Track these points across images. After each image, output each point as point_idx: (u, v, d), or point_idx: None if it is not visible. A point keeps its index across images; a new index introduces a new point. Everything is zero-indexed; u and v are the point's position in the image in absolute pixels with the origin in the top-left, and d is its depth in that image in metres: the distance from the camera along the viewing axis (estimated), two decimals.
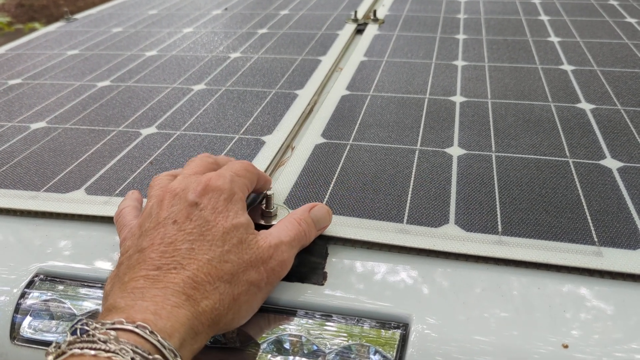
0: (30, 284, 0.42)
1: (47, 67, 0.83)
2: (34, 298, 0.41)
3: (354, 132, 0.59)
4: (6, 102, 0.71)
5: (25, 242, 0.46)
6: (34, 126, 0.64)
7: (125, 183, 0.51)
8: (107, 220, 0.47)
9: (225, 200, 0.36)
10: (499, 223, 0.43)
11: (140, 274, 0.32)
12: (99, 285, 0.41)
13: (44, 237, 0.46)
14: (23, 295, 0.41)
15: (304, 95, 0.69)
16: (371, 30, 0.93)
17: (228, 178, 0.38)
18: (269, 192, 0.44)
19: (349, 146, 0.56)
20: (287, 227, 0.39)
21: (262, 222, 0.44)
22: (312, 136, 0.58)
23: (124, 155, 0.56)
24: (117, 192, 0.50)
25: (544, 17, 0.97)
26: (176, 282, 0.32)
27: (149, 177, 0.52)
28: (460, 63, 0.77)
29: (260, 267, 0.35)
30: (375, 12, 0.98)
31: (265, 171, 0.53)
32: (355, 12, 0.98)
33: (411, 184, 0.49)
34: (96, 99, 0.70)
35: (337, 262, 0.42)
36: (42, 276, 0.42)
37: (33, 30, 3.25)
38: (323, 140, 0.58)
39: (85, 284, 0.41)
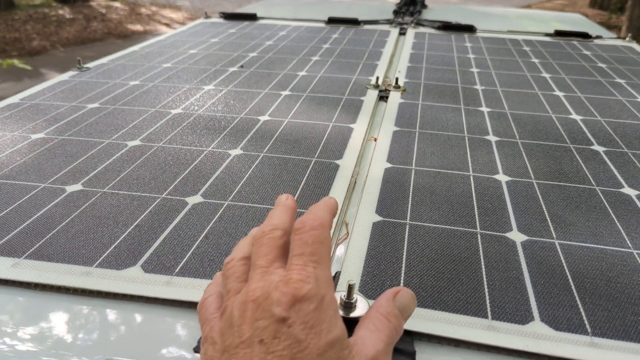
0: None
1: (69, 121, 0.80)
2: None
3: (409, 210, 0.58)
4: (35, 160, 0.67)
5: (81, 326, 0.42)
6: (70, 189, 0.61)
7: (184, 260, 0.49)
8: (169, 303, 0.44)
9: (316, 310, 0.32)
10: (586, 321, 0.43)
11: None
12: None
13: (106, 321, 0.43)
14: None
15: (345, 166, 0.68)
16: (395, 98, 0.94)
17: (312, 279, 0.33)
18: (350, 283, 0.42)
19: (408, 226, 0.55)
20: (377, 327, 0.36)
21: (342, 315, 0.42)
22: (366, 213, 0.57)
23: (174, 227, 0.54)
24: (177, 270, 0.47)
25: (559, 93, 1.00)
26: None
27: (208, 254, 0.50)
28: (492, 138, 0.78)
29: None
30: (397, 79, 0.99)
31: None
32: (377, 78, 0.99)
33: (483, 272, 0.48)
34: (129, 160, 0.68)
35: None
36: None
37: (12, 66, 3.19)
38: (379, 217, 0.56)
39: None
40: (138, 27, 6.90)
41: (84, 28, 6.71)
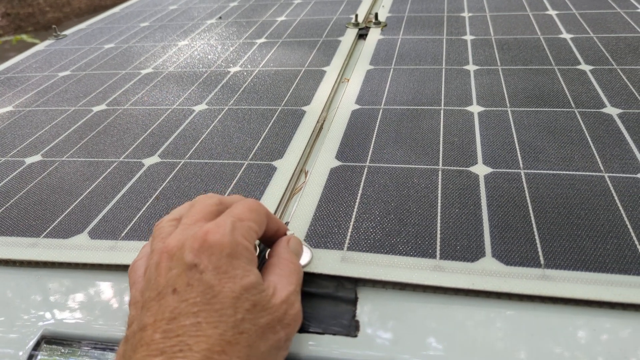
0: (37, 346, 0.38)
1: (38, 91, 0.79)
2: None
3: (370, 152, 0.55)
4: None
5: (27, 297, 0.42)
6: (29, 160, 0.60)
7: (132, 224, 0.48)
8: (114, 268, 0.44)
9: (229, 257, 0.32)
10: (540, 254, 0.40)
11: None
12: (113, 347, 0.38)
13: (47, 290, 0.42)
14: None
15: (312, 112, 0.65)
16: (374, 34, 0.89)
17: (228, 227, 0.33)
18: (288, 233, 0.41)
19: (366, 169, 0.53)
20: (284, 271, 0.36)
21: None
22: (325, 159, 0.55)
23: (127, 190, 0.53)
24: (123, 234, 0.46)
25: (552, 12, 0.93)
26: None
27: (156, 215, 0.49)
28: (472, 67, 0.73)
29: (277, 326, 0.32)
30: (376, 15, 0.94)
31: (280, 200, 0.49)
32: (356, 15, 0.95)
33: (439, 210, 0.46)
34: (93, 125, 0.67)
35: (368, 308, 0.38)
36: (48, 338, 0.39)
37: (21, 42, 3.20)
38: (338, 163, 0.54)
39: (97, 346, 0.38)
40: None
41: None
